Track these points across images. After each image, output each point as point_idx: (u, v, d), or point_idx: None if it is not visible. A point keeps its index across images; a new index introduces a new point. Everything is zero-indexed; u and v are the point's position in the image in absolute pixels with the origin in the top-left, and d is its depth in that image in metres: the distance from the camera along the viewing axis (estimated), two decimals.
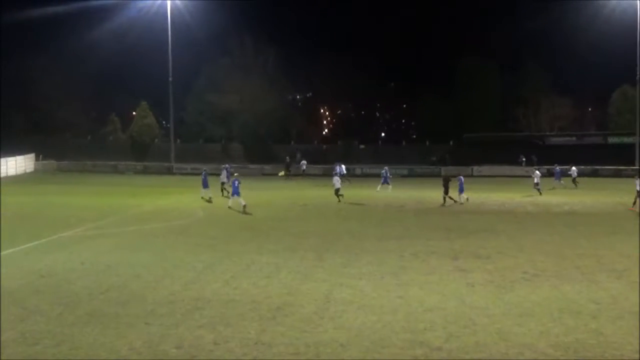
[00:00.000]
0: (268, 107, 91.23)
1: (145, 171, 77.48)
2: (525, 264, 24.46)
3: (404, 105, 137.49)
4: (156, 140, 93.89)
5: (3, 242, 27.84)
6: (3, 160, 70.59)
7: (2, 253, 25.76)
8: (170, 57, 79.16)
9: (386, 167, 58.61)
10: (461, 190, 45.77)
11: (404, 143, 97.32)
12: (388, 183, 56.20)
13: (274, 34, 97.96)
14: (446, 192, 44.92)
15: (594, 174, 71.74)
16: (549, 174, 66.56)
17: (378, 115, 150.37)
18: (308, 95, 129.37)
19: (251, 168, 76.75)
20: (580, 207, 44.45)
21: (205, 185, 47.07)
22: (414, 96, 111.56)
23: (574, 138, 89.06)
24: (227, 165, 53.09)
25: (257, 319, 17.17)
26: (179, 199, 47.73)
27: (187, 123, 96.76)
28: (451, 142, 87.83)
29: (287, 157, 75.11)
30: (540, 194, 51.59)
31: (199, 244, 28.52)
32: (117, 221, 36.07)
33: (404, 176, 72.66)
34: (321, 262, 24.76)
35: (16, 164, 73.56)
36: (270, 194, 51.63)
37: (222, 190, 48.15)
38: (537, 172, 54.27)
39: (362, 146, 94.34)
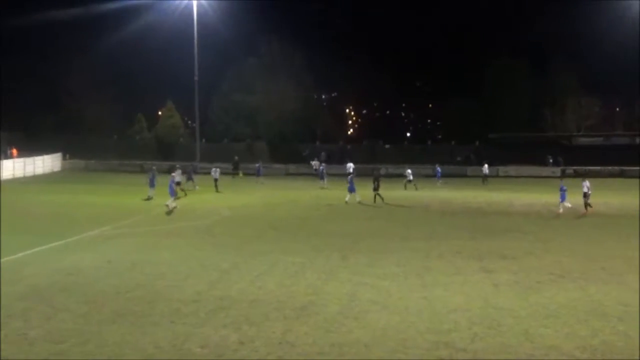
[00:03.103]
0: (294, 107, 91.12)
1: (170, 170, 77.66)
2: (551, 264, 24.30)
3: (430, 105, 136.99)
4: (181, 139, 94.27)
5: (30, 240, 28.20)
6: (30, 159, 71.29)
7: (29, 251, 26.14)
8: (196, 57, 79.52)
9: (323, 165, 59.61)
10: (351, 189, 46.19)
11: (429, 143, 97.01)
12: (323, 179, 57.62)
13: (299, 33, 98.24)
14: (376, 189, 45.86)
15: (622, 174, 71.14)
16: (575, 175, 66.34)
17: (403, 115, 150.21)
18: (333, 95, 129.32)
19: (276, 167, 76.89)
20: (607, 208, 44.04)
21: (152, 184, 46.51)
22: (440, 96, 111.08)
23: (601, 138, 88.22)
24: (178, 165, 53.15)
25: (282, 318, 17.20)
26: (204, 198, 47.90)
27: (213, 122, 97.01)
28: (477, 142, 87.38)
29: (236, 157, 74.44)
30: (417, 189, 55.25)
31: (223, 244, 28.62)
32: (142, 220, 36.28)
33: (428, 176, 72.45)
34: (346, 262, 24.76)
35: (43, 163, 74.17)
36: (295, 194, 51.72)
37: (181, 191, 47.35)
38: (409, 170, 58.21)
39: (387, 146, 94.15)
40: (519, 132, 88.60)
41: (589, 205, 40.48)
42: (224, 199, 47.45)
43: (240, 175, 67.71)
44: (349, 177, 47.76)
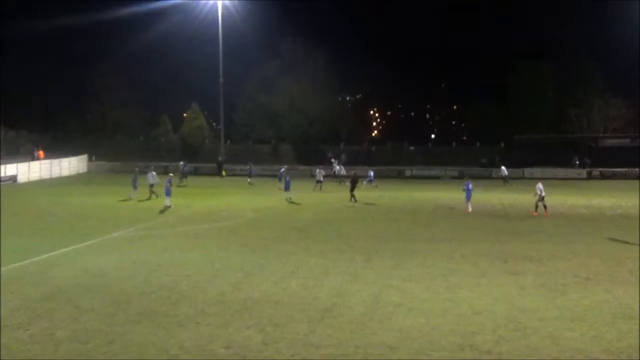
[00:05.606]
0: (318, 109, 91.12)
1: (195, 172, 77.86)
2: (577, 267, 24.11)
3: (455, 107, 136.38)
4: (206, 141, 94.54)
5: (56, 241, 28.53)
6: (56, 161, 71.82)
7: (55, 253, 26.39)
8: (221, 59, 79.72)
9: (284, 167, 59.66)
10: (286, 188, 47.63)
11: (454, 145, 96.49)
12: (280, 180, 57.02)
13: (323, 35, 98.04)
14: (351, 190, 47.78)
15: None
16: (601, 177, 65.77)
17: (428, 116, 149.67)
18: (358, 96, 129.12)
19: (301, 169, 76.88)
20: (634, 210, 43.61)
21: (134, 185, 47.16)
22: (465, 98, 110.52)
23: (628, 140, 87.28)
24: (152, 167, 53.68)
25: (306, 320, 17.20)
26: (229, 200, 48.08)
27: (237, 124, 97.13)
28: (502, 144, 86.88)
29: (219, 157, 74.28)
30: (320, 189, 55.08)
31: (248, 245, 28.66)
32: (167, 222, 36.43)
33: (454, 178, 72.16)
34: (370, 263, 24.72)
35: (69, 165, 74.70)
36: (318, 195, 51.68)
37: (150, 193, 47.13)
38: (319, 170, 58.61)
39: (411, 147, 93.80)
40: (544, 134, 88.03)
41: (545, 207, 40.70)
42: (247, 201, 47.55)
43: (224, 174, 69.36)
44: (287, 177, 48.47)
